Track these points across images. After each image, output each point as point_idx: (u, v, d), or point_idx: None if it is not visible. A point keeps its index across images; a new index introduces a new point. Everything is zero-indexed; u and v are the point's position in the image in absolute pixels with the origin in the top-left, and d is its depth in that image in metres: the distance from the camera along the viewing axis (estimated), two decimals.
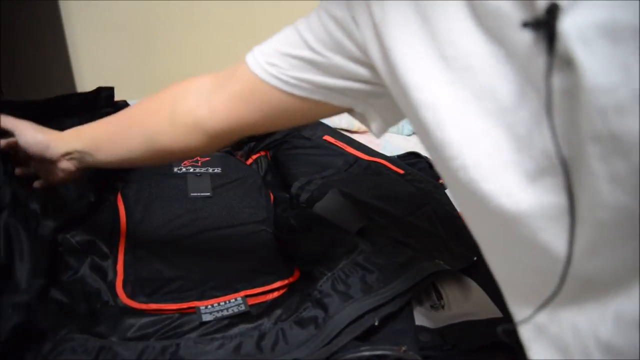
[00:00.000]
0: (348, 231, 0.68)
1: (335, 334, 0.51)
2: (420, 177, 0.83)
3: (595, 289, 0.28)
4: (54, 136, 0.59)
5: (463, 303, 0.63)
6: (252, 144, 1.05)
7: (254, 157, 1.06)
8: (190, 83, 0.55)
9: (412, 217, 0.73)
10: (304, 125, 1.02)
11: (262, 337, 0.57)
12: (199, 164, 0.93)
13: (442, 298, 0.63)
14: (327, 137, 1.01)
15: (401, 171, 0.86)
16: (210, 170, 0.92)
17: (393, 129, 1.27)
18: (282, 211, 0.82)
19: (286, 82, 0.44)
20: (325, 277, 0.61)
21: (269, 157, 1.04)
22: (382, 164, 0.90)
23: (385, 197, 0.75)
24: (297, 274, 0.68)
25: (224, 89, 0.49)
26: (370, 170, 0.86)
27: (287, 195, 0.84)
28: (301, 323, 0.58)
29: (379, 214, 0.72)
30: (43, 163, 0.60)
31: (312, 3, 1.55)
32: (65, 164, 0.60)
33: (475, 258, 0.67)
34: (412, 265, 0.60)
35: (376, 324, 0.53)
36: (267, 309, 0.63)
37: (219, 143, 0.54)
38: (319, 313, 0.58)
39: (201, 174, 0.90)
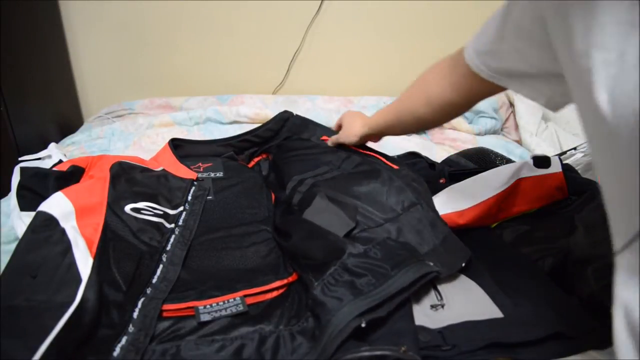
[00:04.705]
0: (337, 235, 0.67)
1: (330, 348, 0.51)
2: (414, 176, 0.83)
3: None
4: (359, 128, 0.90)
5: (463, 303, 0.63)
6: (254, 149, 1.05)
7: (256, 159, 1.06)
8: (432, 71, 0.73)
9: (400, 218, 0.72)
10: (303, 129, 1.04)
11: (262, 341, 0.57)
12: (201, 170, 0.93)
13: (442, 298, 0.63)
14: (325, 138, 1.01)
15: (395, 167, 0.86)
16: (212, 175, 0.92)
17: None
18: (276, 214, 0.82)
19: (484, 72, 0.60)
20: (315, 284, 0.61)
21: (270, 159, 1.04)
22: (377, 158, 0.89)
23: (372, 198, 0.75)
24: (296, 274, 0.68)
25: (456, 70, 0.66)
26: (362, 167, 0.85)
27: (285, 194, 0.84)
28: (302, 333, 0.58)
29: (365, 217, 0.72)
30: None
31: (309, 3, 1.56)
32: (370, 140, 0.95)
33: (463, 264, 0.67)
34: (402, 267, 0.60)
35: (363, 325, 0.52)
36: (265, 309, 0.63)
37: (461, 113, 0.73)
38: (314, 323, 0.58)
39: (203, 179, 0.90)
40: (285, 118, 1.05)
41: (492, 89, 0.64)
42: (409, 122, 0.79)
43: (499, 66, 0.59)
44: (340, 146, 0.96)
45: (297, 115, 1.06)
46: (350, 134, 0.92)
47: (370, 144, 0.97)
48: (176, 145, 1.01)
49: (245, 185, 0.92)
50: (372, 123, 0.88)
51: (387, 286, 0.57)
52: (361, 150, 0.93)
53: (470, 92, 0.67)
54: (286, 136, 1.04)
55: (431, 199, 0.79)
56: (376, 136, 0.93)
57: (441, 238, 0.70)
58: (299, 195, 0.77)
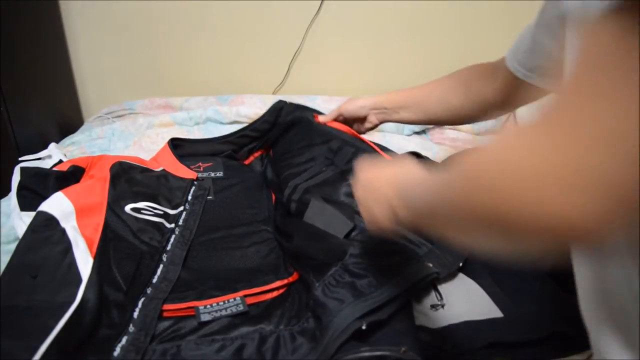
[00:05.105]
0: (337, 237, 0.67)
1: (331, 350, 0.51)
2: None
3: None
4: (368, 99, 0.87)
5: (463, 303, 0.63)
6: (253, 144, 1.05)
7: (256, 154, 1.06)
8: (474, 69, 0.76)
9: None
10: (297, 111, 1.02)
11: (263, 341, 0.57)
12: (201, 169, 0.93)
13: (442, 298, 0.63)
14: (316, 115, 0.99)
15: (389, 157, 0.85)
16: (212, 174, 0.92)
17: (393, 128, 1.27)
18: (277, 215, 0.82)
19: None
20: (317, 284, 0.61)
21: (271, 154, 1.04)
22: (370, 147, 0.87)
23: None
24: (296, 274, 0.68)
25: (498, 73, 0.69)
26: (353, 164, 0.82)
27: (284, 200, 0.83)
28: (302, 334, 0.58)
29: (360, 221, 0.71)
30: (357, 119, 0.90)
31: (309, 3, 1.56)
32: (373, 118, 0.88)
33: (461, 264, 0.67)
34: (403, 268, 0.60)
35: (364, 327, 0.52)
36: (266, 309, 0.63)
37: (499, 114, 0.81)
38: (314, 324, 0.58)
39: (203, 179, 0.90)
40: (279, 107, 1.04)
41: (529, 92, 0.66)
42: (432, 108, 0.80)
43: (533, 64, 0.62)
44: (335, 135, 0.93)
45: (290, 102, 1.06)
46: (353, 102, 0.90)
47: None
48: (175, 144, 1.01)
49: (245, 185, 0.92)
50: (382, 99, 0.86)
51: (388, 287, 0.57)
52: (355, 135, 0.91)
53: (509, 94, 0.70)
54: (283, 129, 1.02)
55: None
56: (379, 114, 0.88)
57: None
58: (294, 204, 0.77)
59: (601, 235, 0.26)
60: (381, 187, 0.48)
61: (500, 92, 0.71)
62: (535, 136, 0.27)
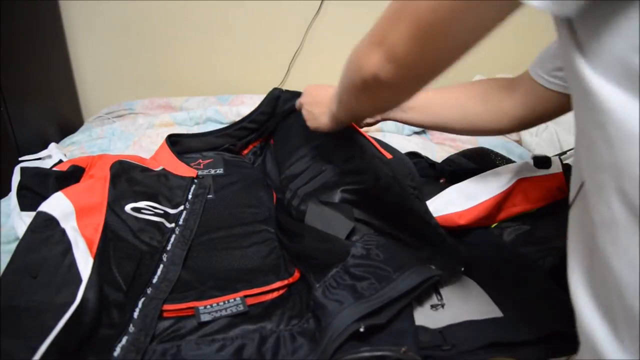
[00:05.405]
0: (339, 238, 0.67)
1: (330, 351, 0.51)
2: (405, 170, 0.81)
3: None
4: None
5: (463, 303, 0.63)
6: (251, 136, 1.05)
7: (255, 144, 1.06)
8: (493, 81, 0.74)
9: (395, 229, 0.71)
10: (294, 100, 0.99)
11: (263, 341, 0.57)
12: (201, 167, 0.93)
13: (442, 298, 0.63)
14: None
15: (389, 155, 0.83)
16: (213, 172, 0.92)
17: (393, 128, 1.27)
18: (280, 214, 0.82)
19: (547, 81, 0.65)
20: (317, 285, 0.60)
21: (272, 142, 1.04)
22: (370, 142, 0.86)
23: (365, 206, 0.74)
24: (297, 275, 0.68)
25: (519, 86, 0.68)
26: (351, 164, 0.80)
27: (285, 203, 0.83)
28: (303, 334, 0.58)
29: (361, 223, 0.71)
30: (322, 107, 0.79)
31: (309, 3, 1.55)
32: None
33: (462, 269, 0.67)
34: (405, 270, 0.60)
35: (362, 330, 0.52)
36: (266, 309, 0.63)
37: (521, 127, 0.72)
38: (315, 325, 0.58)
39: (203, 176, 0.90)
40: (276, 97, 1.03)
41: (554, 103, 0.64)
42: (444, 113, 0.76)
43: (557, 66, 0.61)
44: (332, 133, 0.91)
45: (286, 90, 1.05)
46: None
47: None
48: (173, 141, 1.00)
49: (246, 183, 0.91)
50: None
51: (389, 289, 0.57)
52: (354, 127, 0.89)
53: (531, 105, 0.67)
54: (279, 119, 1.01)
55: (422, 196, 0.77)
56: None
57: (437, 247, 0.70)
58: (294, 211, 0.77)
59: (399, 90, 0.44)
60: (323, 98, 0.70)
61: (521, 104, 0.68)
62: (370, 28, 0.44)
